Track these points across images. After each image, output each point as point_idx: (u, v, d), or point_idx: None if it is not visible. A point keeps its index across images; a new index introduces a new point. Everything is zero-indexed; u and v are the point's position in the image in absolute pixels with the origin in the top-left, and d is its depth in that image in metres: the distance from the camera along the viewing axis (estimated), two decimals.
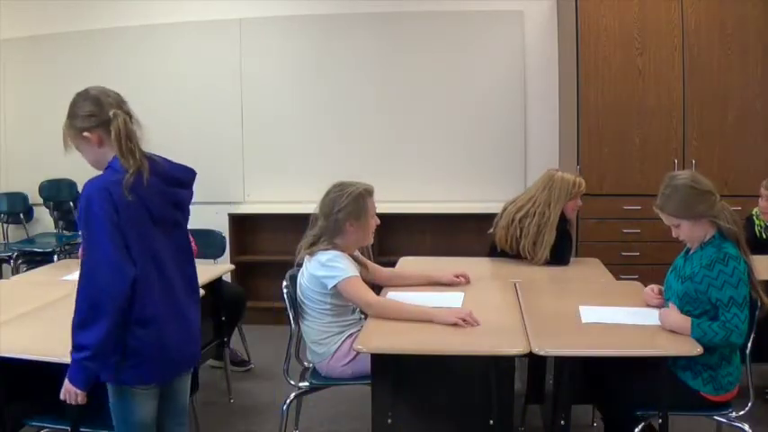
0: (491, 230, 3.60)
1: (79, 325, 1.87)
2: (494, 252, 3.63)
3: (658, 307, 2.56)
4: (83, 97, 1.99)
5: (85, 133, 1.96)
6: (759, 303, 2.39)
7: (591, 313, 2.52)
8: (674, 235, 2.48)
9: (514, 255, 3.53)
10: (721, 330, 2.25)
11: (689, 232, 2.43)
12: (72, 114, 1.98)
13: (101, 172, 1.97)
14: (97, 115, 1.96)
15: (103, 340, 1.86)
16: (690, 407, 2.38)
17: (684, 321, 2.32)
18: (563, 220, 3.54)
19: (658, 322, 2.39)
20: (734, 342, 2.27)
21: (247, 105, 5.40)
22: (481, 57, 5.21)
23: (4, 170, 5.72)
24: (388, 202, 4.54)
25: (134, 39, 5.45)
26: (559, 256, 3.49)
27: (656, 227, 4.30)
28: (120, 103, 2.01)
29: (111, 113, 1.95)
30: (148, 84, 5.43)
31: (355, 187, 2.77)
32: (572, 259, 3.68)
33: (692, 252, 2.49)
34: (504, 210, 3.57)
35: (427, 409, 2.33)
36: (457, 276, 3.06)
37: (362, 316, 2.75)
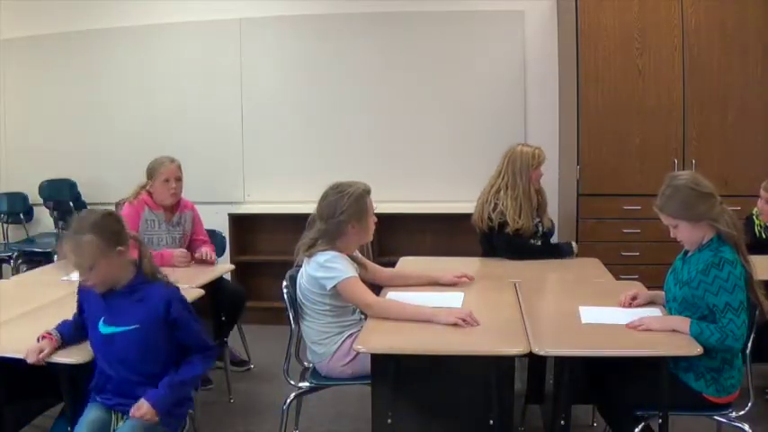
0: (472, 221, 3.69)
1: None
2: (483, 241, 3.69)
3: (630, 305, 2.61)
4: (111, 217, 2.24)
5: (120, 247, 2.19)
6: (759, 309, 2.38)
7: (591, 314, 2.52)
8: (671, 236, 2.48)
9: (491, 230, 3.58)
10: (717, 332, 2.25)
11: (687, 234, 2.42)
12: (102, 230, 2.15)
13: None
14: (125, 232, 2.25)
15: None
16: (690, 407, 2.38)
17: (680, 319, 2.34)
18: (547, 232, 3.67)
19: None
20: (730, 346, 2.26)
21: (247, 105, 5.40)
22: (481, 56, 5.21)
23: (4, 170, 5.72)
24: (388, 202, 4.54)
25: (134, 39, 5.45)
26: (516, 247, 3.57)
27: (656, 227, 4.27)
28: None
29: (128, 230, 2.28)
30: (148, 83, 5.45)
31: (354, 188, 2.76)
32: (573, 259, 3.69)
33: (689, 255, 2.49)
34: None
35: (427, 409, 2.33)
36: (458, 277, 3.06)
37: (363, 316, 2.75)
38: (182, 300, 2.30)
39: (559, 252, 3.65)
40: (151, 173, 3.68)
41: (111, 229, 2.17)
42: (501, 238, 3.57)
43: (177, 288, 2.34)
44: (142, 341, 2.20)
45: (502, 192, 3.59)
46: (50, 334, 2.23)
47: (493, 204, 3.59)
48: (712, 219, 2.37)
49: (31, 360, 2.15)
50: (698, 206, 2.38)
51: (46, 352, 2.17)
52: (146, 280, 2.26)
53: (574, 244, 3.71)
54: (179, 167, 3.71)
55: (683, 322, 2.31)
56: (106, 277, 2.19)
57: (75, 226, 2.16)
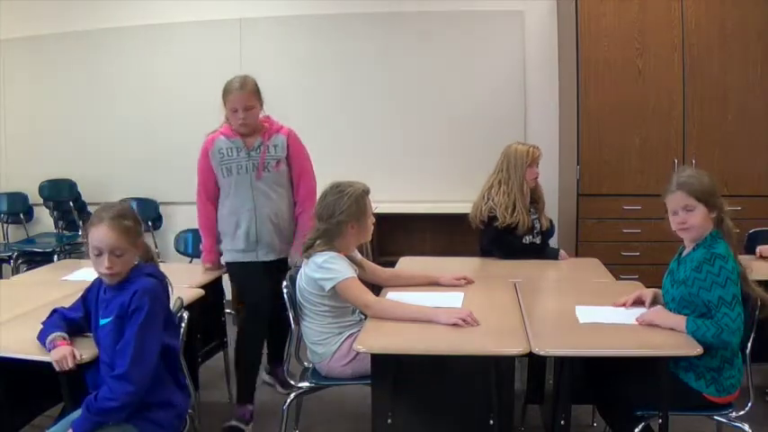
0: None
1: None
2: (482, 240, 3.69)
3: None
4: (134, 212, 2.29)
5: (142, 239, 2.27)
6: (759, 303, 2.38)
7: (588, 314, 2.52)
8: (679, 221, 2.40)
9: (486, 224, 3.60)
10: (712, 327, 2.25)
11: (700, 220, 2.39)
12: (136, 220, 2.24)
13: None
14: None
15: None
16: (690, 407, 2.38)
17: (679, 318, 2.34)
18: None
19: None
20: (726, 340, 2.26)
21: None
22: (481, 57, 5.21)
23: (4, 170, 5.72)
24: (388, 202, 4.54)
25: (134, 39, 5.45)
26: (503, 245, 3.59)
27: (656, 227, 4.31)
28: None
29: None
30: (148, 84, 5.44)
31: (354, 188, 2.77)
32: (573, 259, 3.69)
33: (684, 254, 2.49)
34: None
35: (427, 409, 2.33)
36: (458, 279, 3.06)
37: (362, 317, 2.74)
38: (150, 297, 2.12)
39: (545, 255, 3.66)
40: (222, 99, 3.33)
41: (138, 221, 2.24)
42: (489, 232, 3.59)
43: (162, 285, 2.23)
44: (115, 334, 2.14)
45: (495, 188, 3.63)
46: (64, 339, 2.19)
47: (486, 200, 3.62)
48: (724, 212, 2.40)
49: (69, 365, 2.11)
50: (717, 196, 2.40)
51: (77, 356, 2.14)
52: (141, 274, 2.21)
53: (562, 252, 3.71)
54: (250, 94, 3.26)
55: (679, 320, 2.32)
56: (125, 267, 2.18)
57: (114, 211, 2.16)
